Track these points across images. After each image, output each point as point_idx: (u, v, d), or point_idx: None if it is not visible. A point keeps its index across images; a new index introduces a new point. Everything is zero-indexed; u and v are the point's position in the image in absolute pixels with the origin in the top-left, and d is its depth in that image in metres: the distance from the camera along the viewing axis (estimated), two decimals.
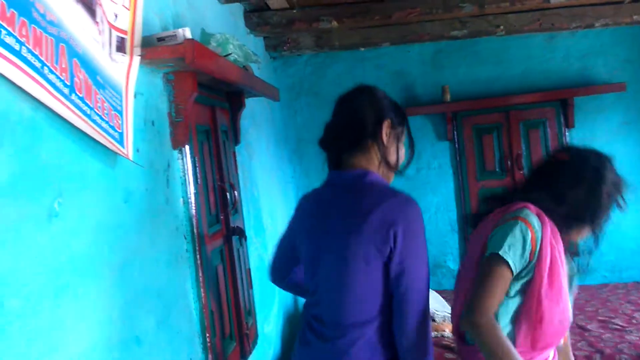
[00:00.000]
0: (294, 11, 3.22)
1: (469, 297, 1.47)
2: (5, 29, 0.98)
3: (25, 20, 1.04)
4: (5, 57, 0.97)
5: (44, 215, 1.10)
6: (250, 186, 2.99)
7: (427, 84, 4.36)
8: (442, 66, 4.37)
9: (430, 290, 1.48)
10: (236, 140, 2.68)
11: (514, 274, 1.46)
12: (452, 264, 4.53)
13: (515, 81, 4.36)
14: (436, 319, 3.53)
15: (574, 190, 1.54)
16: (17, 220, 1.01)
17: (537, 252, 1.46)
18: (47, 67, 1.09)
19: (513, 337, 1.48)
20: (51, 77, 1.10)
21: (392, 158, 1.51)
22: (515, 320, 1.49)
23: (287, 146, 4.33)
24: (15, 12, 1.00)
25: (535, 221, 1.47)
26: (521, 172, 4.33)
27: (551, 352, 1.56)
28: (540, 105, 4.31)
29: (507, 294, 1.49)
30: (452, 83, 4.31)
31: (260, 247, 3.09)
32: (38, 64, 1.06)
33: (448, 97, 4.26)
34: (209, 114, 2.31)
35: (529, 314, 1.46)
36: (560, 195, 1.54)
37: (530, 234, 1.45)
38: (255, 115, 3.30)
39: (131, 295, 1.47)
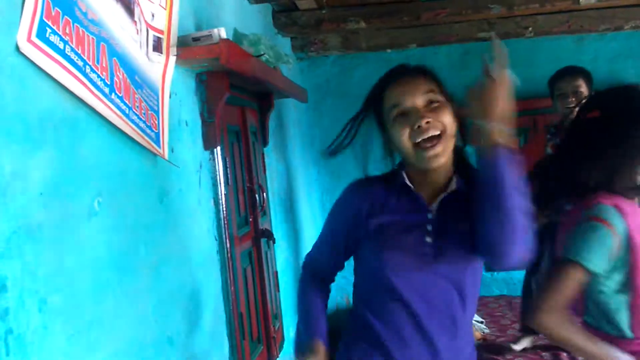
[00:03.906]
0: (323, 11, 3.21)
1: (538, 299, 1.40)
2: (51, 28, 0.98)
3: (69, 19, 1.04)
4: (50, 56, 0.98)
5: (84, 214, 1.10)
6: (277, 188, 2.98)
7: (454, 86, 4.29)
8: (469, 68, 4.30)
9: None
10: (264, 142, 2.68)
11: (597, 273, 1.38)
12: None
13: (543, 84, 4.25)
14: None
15: (619, 152, 1.39)
16: (59, 218, 1.02)
17: (626, 247, 1.37)
18: (89, 66, 1.10)
19: (632, 328, 1.41)
20: (92, 76, 1.11)
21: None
22: (632, 312, 1.42)
23: (312, 147, 4.32)
24: (59, 10, 1.01)
25: (615, 219, 1.37)
26: None
27: None
28: None
29: (605, 291, 1.42)
30: None
31: (287, 250, 3.08)
32: (80, 63, 1.07)
33: None
34: (239, 114, 2.31)
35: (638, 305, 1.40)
36: (610, 166, 1.40)
37: (612, 235, 1.36)
38: (282, 117, 3.30)
39: (165, 295, 1.47)
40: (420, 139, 1.20)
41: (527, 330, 3.20)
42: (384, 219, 1.28)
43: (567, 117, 2.97)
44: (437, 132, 1.21)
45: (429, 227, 1.25)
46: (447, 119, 1.22)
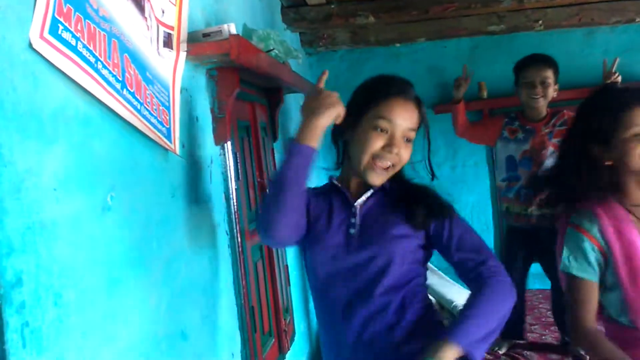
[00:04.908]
0: (332, 6, 3.21)
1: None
2: (63, 24, 0.99)
3: (81, 15, 1.05)
4: (62, 53, 0.98)
5: (98, 209, 1.11)
6: None
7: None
8: (478, 62, 4.28)
9: (460, 288, 1.48)
10: (274, 137, 2.68)
11: (594, 279, 1.41)
12: None
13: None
14: None
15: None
16: (73, 214, 1.02)
17: (607, 248, 1.39)
18: (101, 62, 1.10)
19: (632, 325, 1.41)
20: (104, 72, 1.11)
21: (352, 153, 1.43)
22: (626, 309, 1.41)
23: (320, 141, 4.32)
24: (71, 7, 1.02)
25: (584, 221, 1.41)
26: None
27: None
28: (579, 102, 4.17)
29: (605, 289, 1.44)
30: (489, 79, 4.22)
31: None
32: (92, 59, 1.07)
33: (485, 93, 4.18)
34: (249, 109, 2.31)
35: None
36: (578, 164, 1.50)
37: (585, 236, 1.40)
38: (291, 112, 3.30)
39: (177, 289, 1.48)
40: (380, 162, 1.34)
41: (505, 336, 3.19)
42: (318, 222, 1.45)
43: (530, 106, 2.97)
44: (393, 164, 1.36)
45: (353, 220, 1.40)
46: (406, 157, 1.37)
